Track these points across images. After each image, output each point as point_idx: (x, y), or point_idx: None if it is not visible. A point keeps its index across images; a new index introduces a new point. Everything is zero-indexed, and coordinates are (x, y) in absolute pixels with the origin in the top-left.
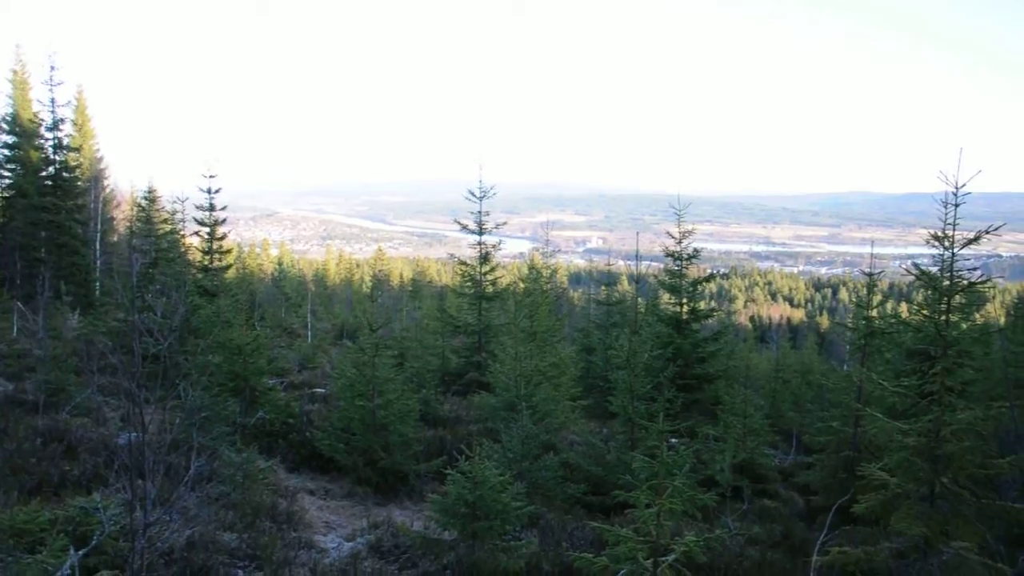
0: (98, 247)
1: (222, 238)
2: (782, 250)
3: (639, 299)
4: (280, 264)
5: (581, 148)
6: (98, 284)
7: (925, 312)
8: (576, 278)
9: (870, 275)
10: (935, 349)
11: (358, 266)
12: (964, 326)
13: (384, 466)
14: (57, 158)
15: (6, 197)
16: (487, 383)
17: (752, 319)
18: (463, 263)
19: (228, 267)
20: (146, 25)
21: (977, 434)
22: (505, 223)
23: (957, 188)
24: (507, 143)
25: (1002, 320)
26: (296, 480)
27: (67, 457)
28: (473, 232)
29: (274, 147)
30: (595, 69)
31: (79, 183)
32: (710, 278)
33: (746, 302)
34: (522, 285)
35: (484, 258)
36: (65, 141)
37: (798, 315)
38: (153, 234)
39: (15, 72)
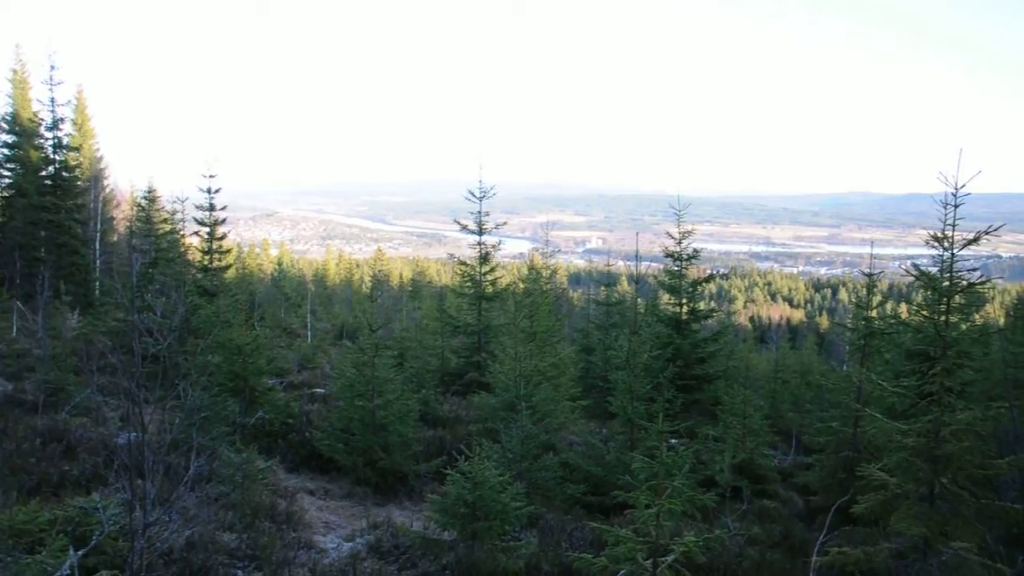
0: (98, 247)
1: (222, 238)
2: (782, 250)
3: (639, 299)
4: (280, 264)
5: (581, 148)
6: (98, 284)
7: (925, 313)
8: (576, 278)
9: (870, 276)
10: (935, 350)
11: (358, 266)
12: (964, 327)
13: (384, 466)
14: (57, 158)
15: (6, 197)
16: (487, 383)
17: (752, 319)
18: (463, 263)
19: (228, 267)
20: (146, 25)
21: (976, 434)
22: (505, 223)
23: (956, 189)
24: (507, 143)
25: (1001, 321)
26: (296, 480)
27: (66, 457)
28: (473, 232)
29: (274, 147)
30: (595, 69)
31: (79, 183)
32: (710, 278)
33: (746, 302)
34: (522, 285)
35: (484, 258)
36: (65, 141)
37: (798, 315)
38: (153, 234)
39: (15, 71)
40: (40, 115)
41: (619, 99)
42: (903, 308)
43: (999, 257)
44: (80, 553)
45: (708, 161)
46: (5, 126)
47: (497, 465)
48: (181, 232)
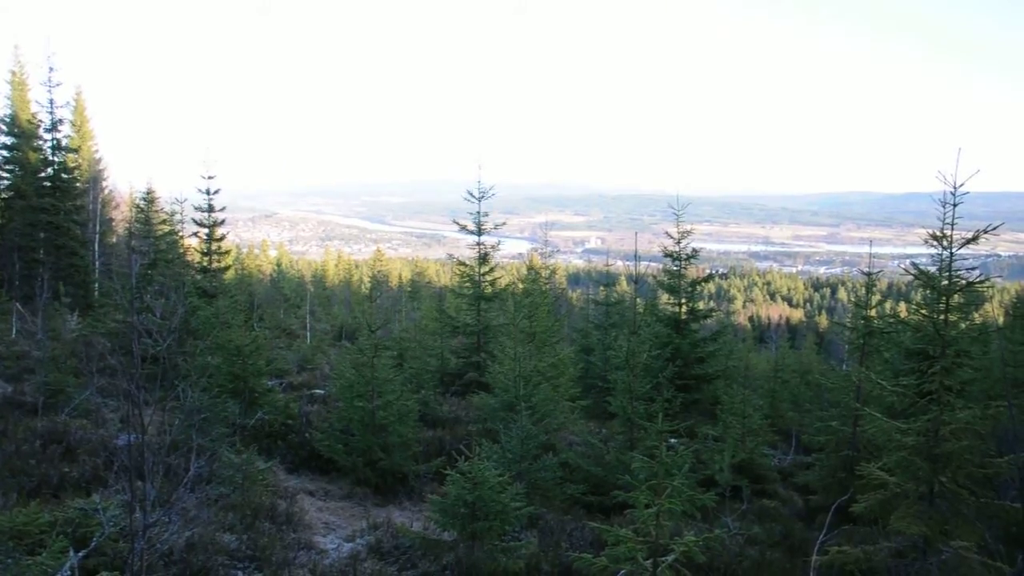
0: (97, 248)
1: (221, 239)
2: (781, 250)
3: (638, 299)
4: (279, 265)
5: (580, 148)
6: (97, 285)
7: (924, 312)
8: (575, 278)
9: (869, 275)
10: (934, 348)
11: (357, 267)
12: (963, 325)
13: (383, 467)
14: (56, 159)
15: (5, 198)
16: (486, 383)
17: (751, 319)
18: (462, 264)
19: (227, 268)
20: (145, 25)
21: (976, 433)
22: (504, 224)
23: (955, 188)
24: (506, 143)
25: (1000, 319)
26: (295, 481)
27: (66, 459)
28: (472, 233)
29: (273, 148)
30: (595, 69)
31: (78, 184)
32: (709, 278)
33: (745, 302)
34: (521, 285)
35: (483, 259)
36: (64, 142)
37: (797, 315)
38: (152, 235)
39: (14, 73)
40: (39, 116)
41: (618, 99)
42: (902, 307)
43: (998, 256)
44: (80, 554)
45: (707, 161)
46: (4, 128)
47: (497, 465)
48: (180, 233)
